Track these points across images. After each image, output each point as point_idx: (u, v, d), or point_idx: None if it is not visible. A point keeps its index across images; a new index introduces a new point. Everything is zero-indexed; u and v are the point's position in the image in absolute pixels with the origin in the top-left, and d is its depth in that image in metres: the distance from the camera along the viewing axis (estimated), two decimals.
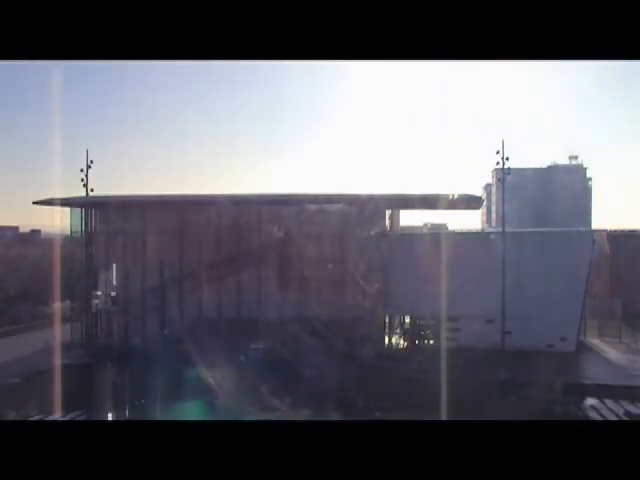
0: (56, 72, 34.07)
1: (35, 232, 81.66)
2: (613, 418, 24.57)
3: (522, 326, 34.02)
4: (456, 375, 27.22)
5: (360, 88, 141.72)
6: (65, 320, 38.58)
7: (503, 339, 34.65)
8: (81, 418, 23.86)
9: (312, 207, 38.71)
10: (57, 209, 41.75)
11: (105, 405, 23.87)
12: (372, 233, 37.75)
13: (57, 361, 28.88)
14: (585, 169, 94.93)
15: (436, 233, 48.84)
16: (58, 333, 33.74)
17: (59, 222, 43.52)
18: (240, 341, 34.41)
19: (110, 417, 23.74)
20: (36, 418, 22.57)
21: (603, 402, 26.84)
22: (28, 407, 23.18)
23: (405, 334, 40.78)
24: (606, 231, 51.39)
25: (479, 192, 76.34)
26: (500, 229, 37.39)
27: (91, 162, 37.25)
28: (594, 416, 25.13)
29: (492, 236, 43.24)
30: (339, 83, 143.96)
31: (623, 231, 52.85)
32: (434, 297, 35.05)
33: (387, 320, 39.87)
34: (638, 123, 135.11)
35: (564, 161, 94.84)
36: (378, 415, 22.88)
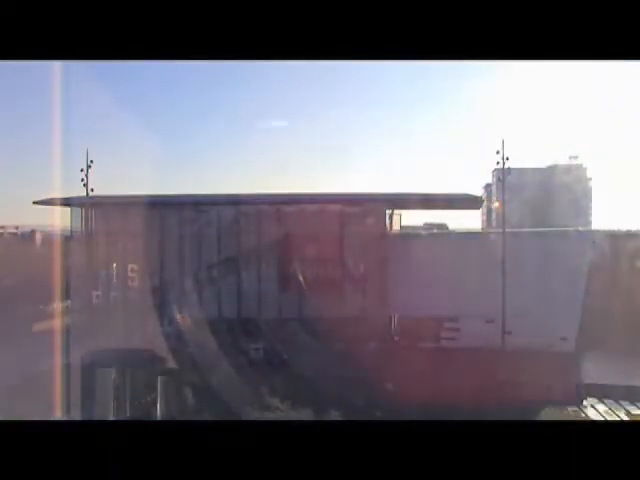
0: (56, 72, 34.02)
1: (35, 232, 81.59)
2: (613, 417, 24.61)
3: (522, 326, 33.99)
4: (456, 375, 27.27)
5: (360, 87, 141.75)
6: (64, 320, 38.53)
7: (503, 339, 34.64)
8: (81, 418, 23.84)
9: (312, 207, 38.69)
10: (57, 209, 41.69)
11: (104, 405, 23.86)
12: (372, 233, 37.72)
13: (56, 361, 28.86)
14: (585, 169, 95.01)
15: (436, 233, 48.82)
16: (57, 333, 33.70)
17: (59, 222, 43.44)
18: (240, 341, 34.40)
19: (110, 417, 23.73)
20: (36, 418, 22.54)
21: (603, 402, 26.91)
22: (25, 408, 23.11)
23: (404, 334, 40.75)
24: (606, 231, 51.33)
25: (479, 192, 76.28)
26: (500, 229, 37.37)
27: (91, 162, 37.20)
28: (594, 415, 25.18)
29: (492, 236, 43.22)
30: (338, 82, 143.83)
31: (623, 231, 52.83)
32: (434, 297, 35.04)
33: (387, 320, 39.84)
34: (638, 123, 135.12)
35: (564, 161, 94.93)
36: (377, 415, 22.87)
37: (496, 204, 75.48)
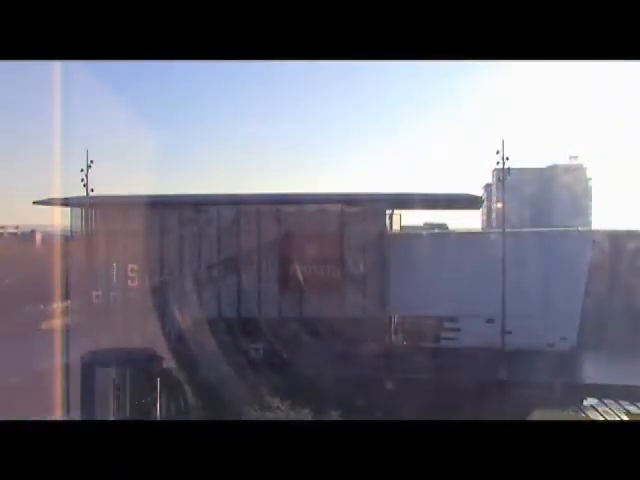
0: (56, 72, 34.07)
1: (35, 232, 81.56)
2: (613, 417, 24.61)
3: (522, 326, 34.01)
4: (456, 375, 27.29)
5: (360, 87, 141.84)
6: (64, 319, 38.55)
7: (503, 339, 34.66)
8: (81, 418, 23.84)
9: (312, 207, 38.71)
10: (57, 209, 41.74)
11: (104, 405, 23.84)
12: (372, 233, 37.74)
13: (56, 361, 28.85)
14: (585, 169, 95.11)
15: (436, 233, 48.88)
16: (57, 332, 33.70)
17: (59, 222, 43.51)
18: (240, 341, 34.42)
19: (110, 417, 23.71)
20: (36, 418, 22.51)
21: (603, 402, 26.89)
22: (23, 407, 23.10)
23: (405, 334, 40.76)
24: (606, 231, 51.33)
25: (479, 192, 76.33)
26: (500, 229, 37.39)
27: (91, 162, 37.23)
28: (594, 415, 25.17)
29: (492, 236, 43.27)
30: (338, 82, 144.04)
31: (623, 231, 52.78)
32: (434, 297, 35.11)
33: (387, 320, 39.85)
34: (638, 123, 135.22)
35: (564, 161, 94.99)
36: (378, 415, 22.86)
37: (496, 204, 75.51)
